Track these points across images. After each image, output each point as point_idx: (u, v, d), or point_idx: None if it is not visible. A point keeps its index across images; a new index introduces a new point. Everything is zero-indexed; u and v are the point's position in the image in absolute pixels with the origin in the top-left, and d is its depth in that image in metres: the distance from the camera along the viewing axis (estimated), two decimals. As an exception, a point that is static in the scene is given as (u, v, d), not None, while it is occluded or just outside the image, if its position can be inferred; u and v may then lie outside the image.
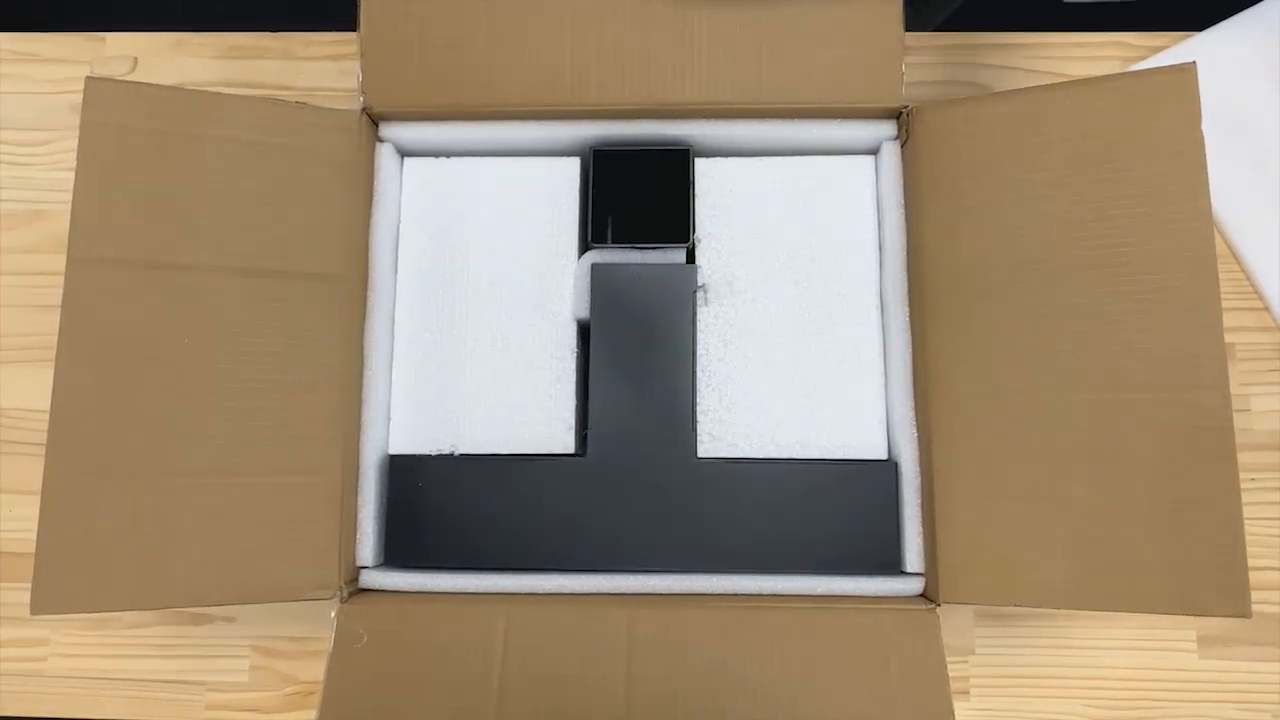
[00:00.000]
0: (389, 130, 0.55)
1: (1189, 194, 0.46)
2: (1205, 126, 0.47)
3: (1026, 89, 0.50)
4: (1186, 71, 0.47)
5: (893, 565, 0.51)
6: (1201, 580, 0.44)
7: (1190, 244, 0.46)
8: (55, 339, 0.47)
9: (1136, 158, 0.47)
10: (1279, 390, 0.62)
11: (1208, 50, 0.65)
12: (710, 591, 0.51)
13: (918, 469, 0.51)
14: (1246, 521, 0.44)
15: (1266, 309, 0.63)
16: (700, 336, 0.54)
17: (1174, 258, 0.46)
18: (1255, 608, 0.43)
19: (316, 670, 0.47)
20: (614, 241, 0.55)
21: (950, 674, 0.47)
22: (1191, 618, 0.59)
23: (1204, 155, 0.47)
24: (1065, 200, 0.48)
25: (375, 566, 0.52)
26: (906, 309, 0.53)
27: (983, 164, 0.50)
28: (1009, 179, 0.49)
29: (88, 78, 0.47)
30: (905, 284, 0.54)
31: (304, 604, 0.49)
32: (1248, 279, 0.63)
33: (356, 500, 0.52)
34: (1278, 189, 0.64)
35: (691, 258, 0.56)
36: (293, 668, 0.61)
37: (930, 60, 0.67)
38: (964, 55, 0.67)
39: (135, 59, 0.69)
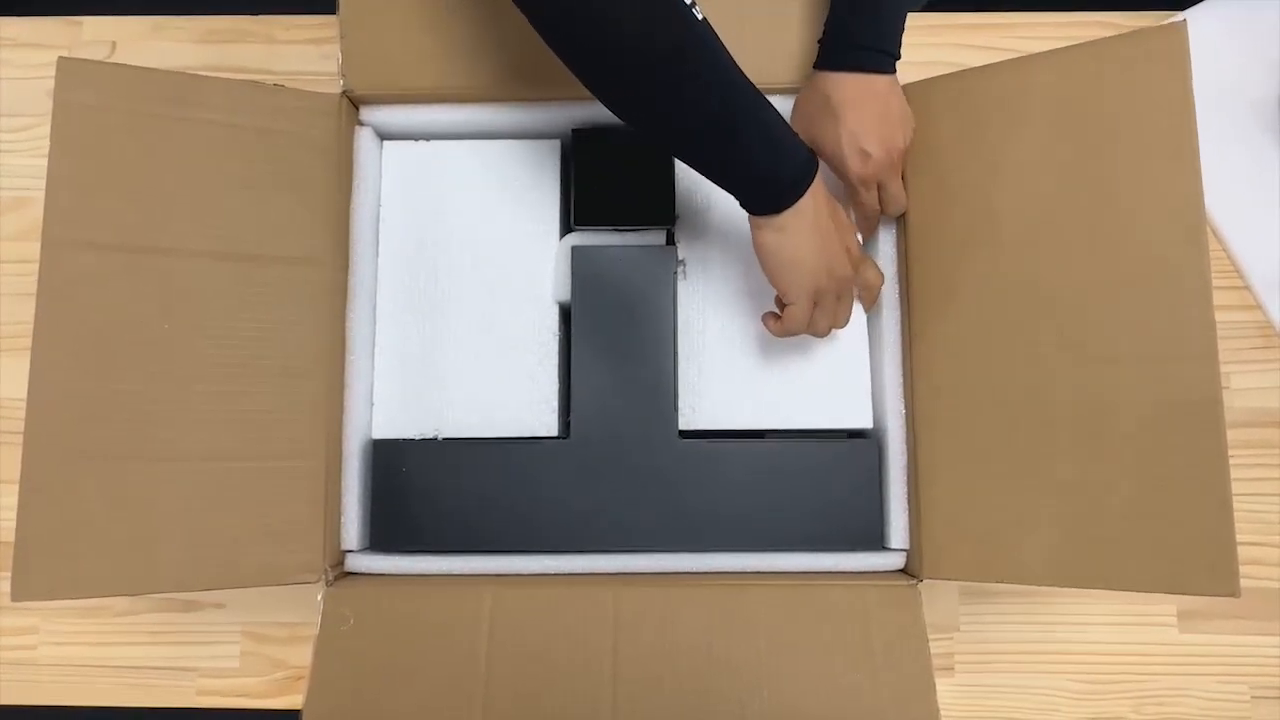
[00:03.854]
0: (369, 114, 0.55)
1: (1179, 158, 0.44)
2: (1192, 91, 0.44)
3: (1010, 60, 0.50)
4: (1176, 31, 0.45)
5: (876, 541, 0.52)
6: (1189, 558, 0.43)
7: (1179, 210, 0.44)
8: (37, 325, 0.46)
9: (1124, 122, 0.46)
10: (1260, 369, 0.62)
11: (1191, 28, 0.65)
12: (695, 570, 0.51)
13: (903, 445, 0.52)
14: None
15: (1247, 287, 0.63)
16: (680, 310, 0.54)
17: (1162, 224, 0.45)
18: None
19: (306, 655, 0.47)
20: (595, 224, 0.55)
21: (935, 650, 0.48)
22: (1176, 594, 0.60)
23: (1194, 117, 0.44)
24: (1051, 171, 0.48)
25: (361, 550, 0.52)
26: (895, 286, 0.53)
27: (967, 139, 0.50)
28: (994, 153, 0.49)
29: (61, 58, 0.47)
30: (894, 261, 0.54)
31: (293, 590, 0.49)
32: (1229, 257, 0.64)
33: (341, 485, 0.52)
34: (1259, 167, 0.64)
35: (672, 239, 0.56)
36: (282, 653, 0.61)
37: (915, 41, 0.66)
38: (948, 36, 0.67)
39: (113, 43, 0.68)
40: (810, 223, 0.45)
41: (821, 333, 0.49)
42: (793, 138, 0.45)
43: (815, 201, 0.45)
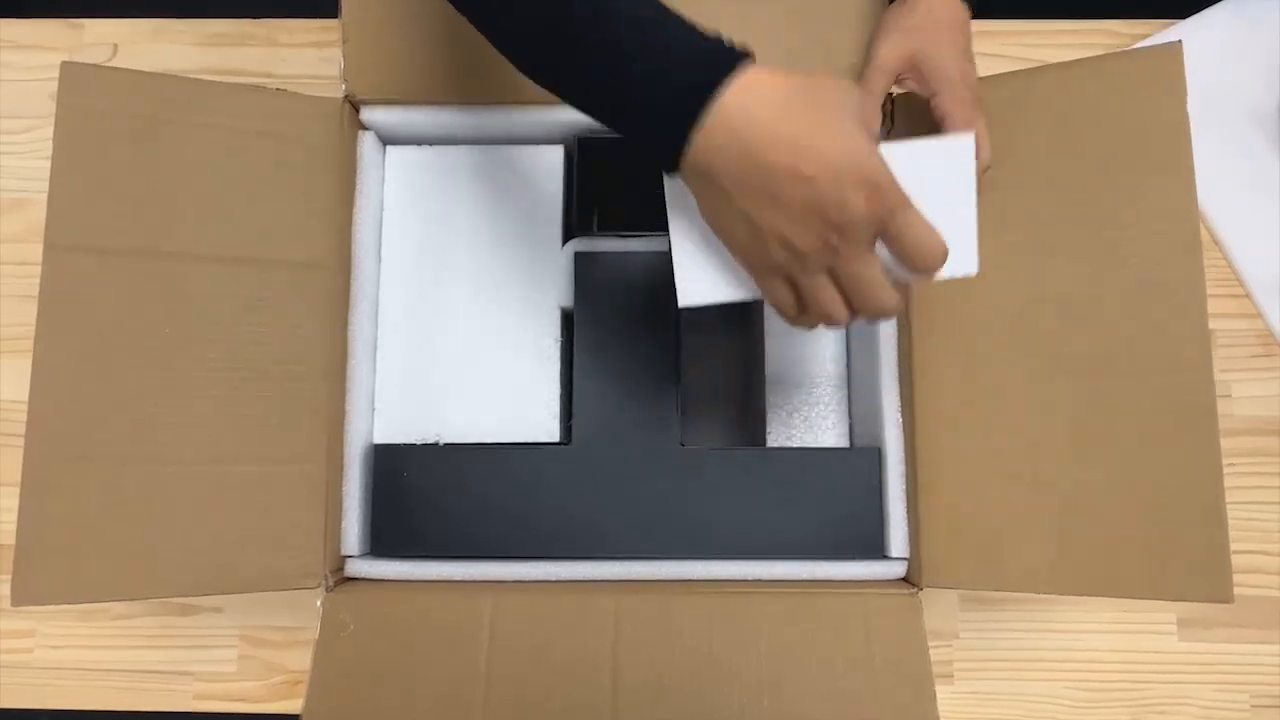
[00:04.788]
0: (371, 117, 0.55)
1: (1174, 173, 0.46)
2: (1189, 112, 0.46)
3: (1009, 74, 0.50)
4: (1172, 51, 0.46)
5: (876, 549, 0.52)
6: (1184, 565, 0.44)
7: (1175, 224, 0.46)
8: (38, 328, 0.46)
9: (1121, 138, 0.47)
10: (1260, 377, 0.63)
11: (1192, 37, 0.65)
12: (696, 577, 0.51)
13: (902, 454, 0.52)
14: (1227, 507, 0.44)
15: (1247, 296, 0.63)
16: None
17: (1158, 239, 0.46)
18: (1235, 591, 0.43)
19: (304, 660, 0.47)
20: (598, 230, 0.55)
21: (935, 658, 0.48)
22: (1172, 601, 0.60)
23: (1189, 135, 0.46)
24: (1048, 183, 0.48)
25: (361, 555, 0.52)
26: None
27: (965, 150, 0.51)
28: (991, 165, 0.49)
29: (64, 62, 0.47)
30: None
31: (291, 594, 0.49)
32: (1229, 265, 0.64)
33: (341, 489, 0.52)
34: (1259, 176, 0.64)
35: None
36: (280, 657, 0.61)
37: (916, 47, 0.67)
38: (949, 42, 0.67)
39: (115, 46, 0.68)
40: (730, 170, 0.29)
41: (814, 325, 0.35)
42: (684, 49, 0.30)
43: (734, 134, 0.29)
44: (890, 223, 0.31)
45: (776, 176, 0.29)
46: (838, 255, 0.31)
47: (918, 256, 0.32)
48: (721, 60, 0.30)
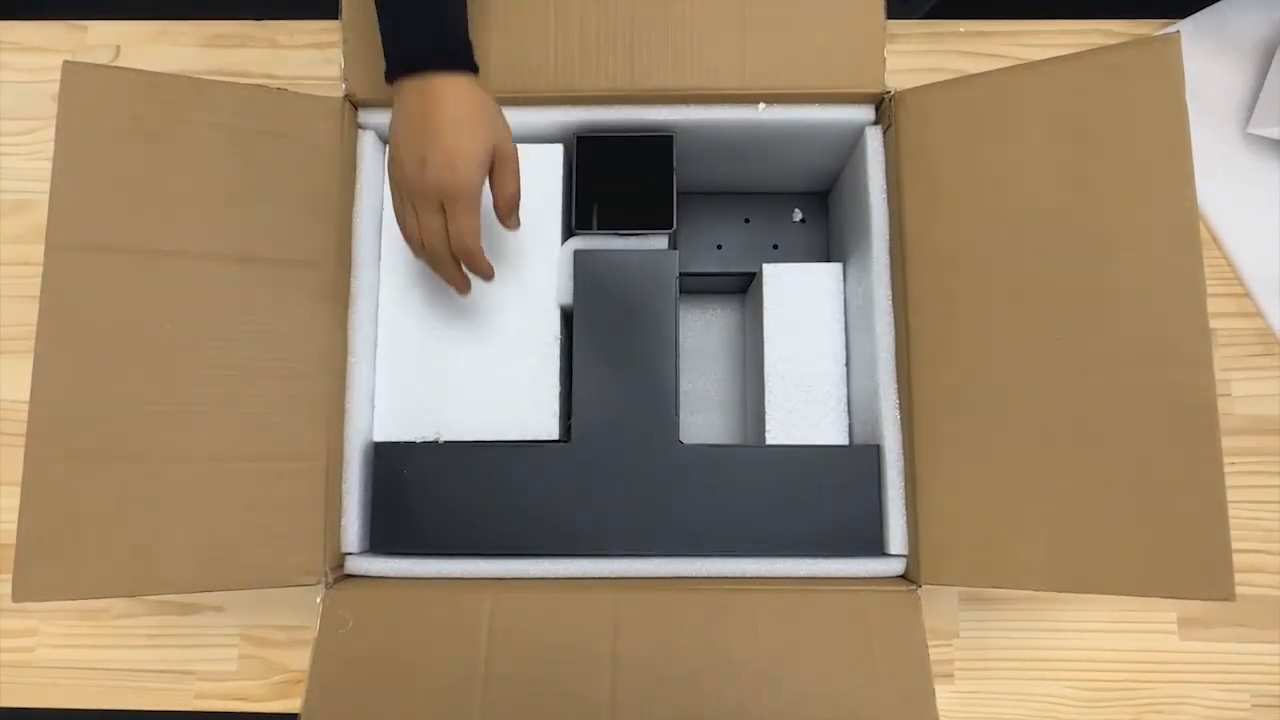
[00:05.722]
0: (371, 117, 0.55)
1: (1172, 166, 0.45)
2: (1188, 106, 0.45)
3: (1005, 69, 0.50)
4: (1170, 43, 0.46)
5: (875, 547, 0.52)
6: (1184, 562, 0.43)
7: (1174, 217, 0.45)
8: (39, 327, 0.46)
9: (1118, 131, 0.46)
10: (1260, 375, 0.63)
11: (1189, 36, 0.65)
12: (695, 575, 0.51)
13: (901, 451, 0.52)
14: (1228, 504, 0.43)
15: (1247, 294, 0.63)
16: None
17: (1157, 232, 0.45)
18: (1236, 590, 0.43)
19: (304, 659, 0.47)
20: (597, 228, 0.55)
21: (935, 657, 0.48)
22: (1173, 600, 0.60)
23: (1187, 126, 0.45)
24: (1046, 179, 0.48)
25: (361, 553, 0.52)
26: (889, 294, 0.53)
27: (963, 146, 0.51)
28: (989, 160, 0.49)
29: (66, 62, 0.47)
30: (888, 269, 0.54)
31: (292, 593, 0.49)
32: (1229, 264, 0.64)
33: (341, 487, 0.52)
34: (1259, 175, 0.64)
35: (674, 244, 0.56)
36: (281, 656, 0.61)
37: (913, 48, 0.67)
38: (947, 43, 0.67)
39: (118, 47, 0.68)
40: (411, 109, 0.46)
41: (428, 247, 0.48)
42: (430, 29, 0.46)
43: (423, 93, 0.46)
44: (452, 203, 0.47)
45: (422, 125, 0.46)
46: (447, 202, 0.47)
47: (453, 236, 0.48)
48: (450, 52, 0.47)
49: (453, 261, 0.49)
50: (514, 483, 0.52)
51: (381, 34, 0.48)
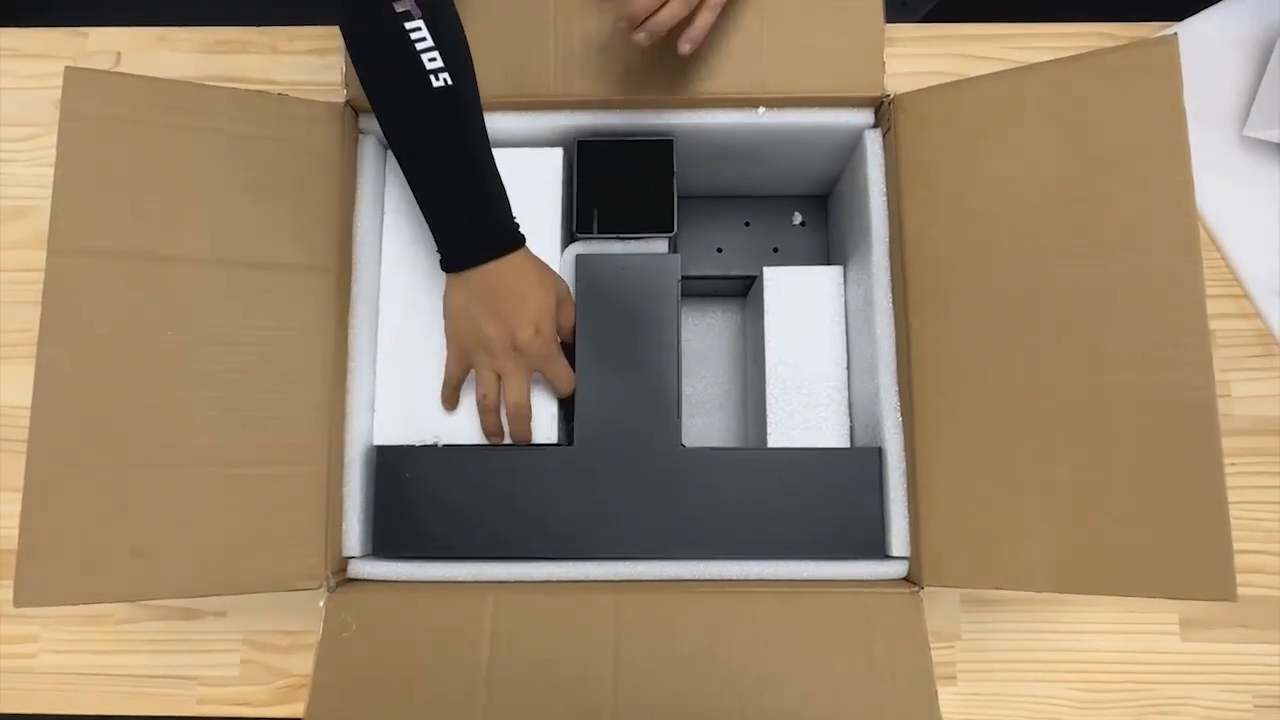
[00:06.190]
0: (371, 123, 0.55)
1: (1171, 167, 0.45)
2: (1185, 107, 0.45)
3: (1004, 71, 0.50)
4: (1167, 44, 0.46)
5: (877, 549, 0.52)
6: (1186, 563, 0.43)
7: (1173, 218, 0.45)
8: (41, 332, 0.46)
9: (1116, 133, 0.47)
10: (1259, 376, 0.63)
11: (1188, 39, 0.65)
12: (696, 577, 0.51)
13: (902, 453, 0.52)
14: (1229, 505, 0.43)
15: (1246, 295, 0.63)
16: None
17: (1156, 233, 0.45)
18: (1238, 591, 0.42)
19: (307, 664, 0.47)
20: (598, 232, 0.56)
21: (937, 659, 0.48)
22: (1174, 601, 0.60)
23: (1185, 128, 0.45)
24: (1045, 181, 0.48)
25: (362, 556, 0.52)
26: (889, 296, 0.53)
27: (962, 149, 0.51)
28: (988, 163, 0.50)
29: (67, 68, 0.47)
30: (888, 270, 0.54)
31: (294, 598, 0.49)
32: (1227, 265, 0.64)
33: (342, 491, 0.52)
34: (1257, 177, 0.65)
35: (674, 247, 0.56)
36: (283, 661, 0.61)
37: (912, 52, 0.67)
38: (946, 47, 0.67)
39: (119, 53, 0.68)
40: (476, 287, 0.51)
41: (480, 398, 0.53)
42: (488, 223, 0.50)
43: (485, 276, 0.50)
44: (545, 360, 0.53)
45: (500, 302, 0.51)
46: (516, 359, 0.52)
47: (556, 383, 0.54)
48: (510, 237, 0.51)
49: (498, 412, 0.53)
50: (516, 486, 0.52)
51: (430, 225, 0.51)
